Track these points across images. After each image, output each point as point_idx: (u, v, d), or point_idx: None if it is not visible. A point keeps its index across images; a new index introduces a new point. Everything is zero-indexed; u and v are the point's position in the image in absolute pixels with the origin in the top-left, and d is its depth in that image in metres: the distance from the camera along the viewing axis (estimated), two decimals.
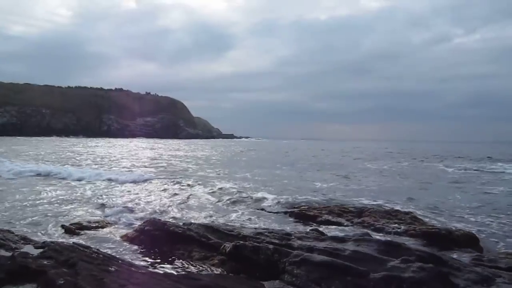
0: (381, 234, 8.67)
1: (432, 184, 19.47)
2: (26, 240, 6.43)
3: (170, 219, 9.46)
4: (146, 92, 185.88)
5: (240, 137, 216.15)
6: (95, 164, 27.04)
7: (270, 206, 12.10)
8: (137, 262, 6.12)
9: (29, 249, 5.47)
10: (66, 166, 23.93)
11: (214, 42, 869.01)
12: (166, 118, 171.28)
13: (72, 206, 11.50)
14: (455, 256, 6.64)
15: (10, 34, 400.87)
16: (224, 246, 6.33)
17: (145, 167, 26.17)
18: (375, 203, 12.68)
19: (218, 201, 13.13)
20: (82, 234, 8.16)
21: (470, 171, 27.24)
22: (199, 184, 16.86)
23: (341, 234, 7.54)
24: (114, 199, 13.03)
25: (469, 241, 8.30)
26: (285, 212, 11.14)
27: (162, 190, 15.35)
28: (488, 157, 44.87)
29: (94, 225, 8.84)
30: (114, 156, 36.90)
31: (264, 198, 13.15)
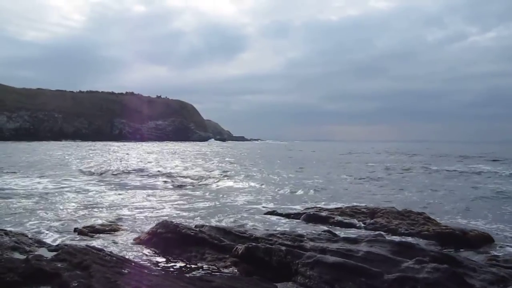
0: (394, 235, 8.59)
1: (444, 185, 19.26)
2: (40, 243, 6.48)
3: (182, 221, 9.48)
4: (157, 96, 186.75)
5: (251, 139, 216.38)
6: None
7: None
8: (149, 265, 6.14)
9: (43, 252, 5.52)
10: None
11: (225, 45, 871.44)
12: (177, 121, 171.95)
13: (86, 210, 11.59)
14: (470, 256, 6.56)
15: (24, 40, 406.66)
16: (237, 248, 6.32)
17: None
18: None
19: None
20: (95, 237, 8.20)
21: (482, 171, 26.91)
22: None
23: (354, 235, 7.49)
24: (128, 202, 13.11)
25: (484, 241, 8.20)
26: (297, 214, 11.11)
27: None
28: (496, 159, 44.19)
29: (107, 228, 8.87)
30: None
31: None
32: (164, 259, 6.73)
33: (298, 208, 12.06)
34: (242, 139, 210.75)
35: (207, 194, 15.65)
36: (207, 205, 12.95)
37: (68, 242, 7.45)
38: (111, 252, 5.91)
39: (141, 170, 26.15)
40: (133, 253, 7.08)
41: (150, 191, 16.06)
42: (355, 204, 12.43)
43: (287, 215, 11.09)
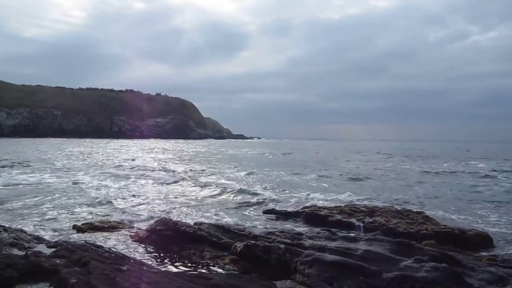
0: (393, 234, 8.58)
1: (444, 184, 19.27)
2: (39, 239, 6.47)
3: (181, 219, 9.49)
4: (156, 93, 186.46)
5: (251, 138, 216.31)
6: None
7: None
8: (148, 262, 6.14)
9: (42, 248, 5.51)
10: None
11: (226, 43, 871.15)
12: (176, 118, 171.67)
13: (85, 207, 11.58)
14: (468, 256, 6.56)
15: (25, 36, 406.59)
16: (235, 245, 6.32)
17: None
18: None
19: None
20: (94, 234, 8.20)
21: (482, 171, 26.91)
22: None
23: (352, 234, 7.50)
24: (126, 199, 13.11)
25: (482, 241, 8.21)
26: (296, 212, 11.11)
27: None
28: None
29: (106, 225, 8.87)
30: None
31: None
32: (163, 256, 6.73)
33: (297, 206, 12.07)
34: (241, 137, 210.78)
35: (206, 191, 15.64)
36: (206, 202, 12.96)
37: (67, 238, 7.45)
38: (110, 248, 5.92)
39: (140, 167, 26.18)
40: (132, 250, 7.08)
41: (149, 188, 16.07)
42: (354, 202, 12.45)
43: (286, 213, 11.10)
